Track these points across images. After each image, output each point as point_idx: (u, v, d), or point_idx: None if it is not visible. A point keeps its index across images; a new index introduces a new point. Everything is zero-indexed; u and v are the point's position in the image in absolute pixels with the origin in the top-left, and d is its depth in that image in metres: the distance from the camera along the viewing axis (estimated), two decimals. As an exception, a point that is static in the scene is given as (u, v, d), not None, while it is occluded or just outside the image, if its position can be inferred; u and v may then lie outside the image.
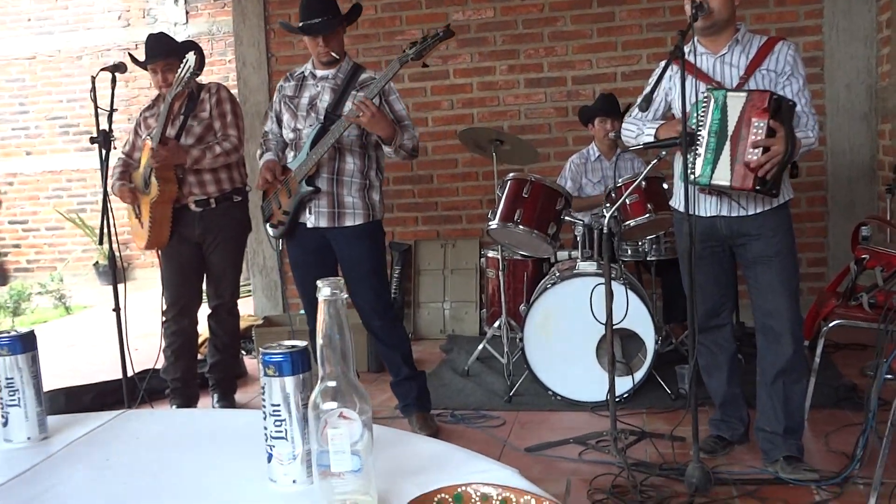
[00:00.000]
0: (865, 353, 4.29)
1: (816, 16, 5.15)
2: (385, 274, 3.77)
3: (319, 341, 1.02)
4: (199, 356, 4.35)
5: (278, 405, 1.13)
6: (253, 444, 1.20)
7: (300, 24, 3.47)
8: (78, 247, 9.26)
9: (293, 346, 1.13)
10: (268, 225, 3.70)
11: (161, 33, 4.02)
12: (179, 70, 3.57)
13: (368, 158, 3.56)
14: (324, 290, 1.01)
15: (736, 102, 2.79)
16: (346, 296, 1.03)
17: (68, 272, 8.93)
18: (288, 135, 3.63)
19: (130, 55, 4.08)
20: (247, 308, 5.61)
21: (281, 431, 1.13)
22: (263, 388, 1.13)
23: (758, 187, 2.76)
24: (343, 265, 3.61)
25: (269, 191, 3.66)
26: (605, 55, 5.43)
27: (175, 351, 4.01)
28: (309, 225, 3.54)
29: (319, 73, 3.58)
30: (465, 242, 5.66)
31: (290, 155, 3.62)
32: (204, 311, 4.12)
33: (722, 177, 2.80)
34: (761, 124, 2.72)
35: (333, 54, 3.50)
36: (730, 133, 2.79)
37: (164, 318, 4.01)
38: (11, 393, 1.38)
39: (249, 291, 6.08)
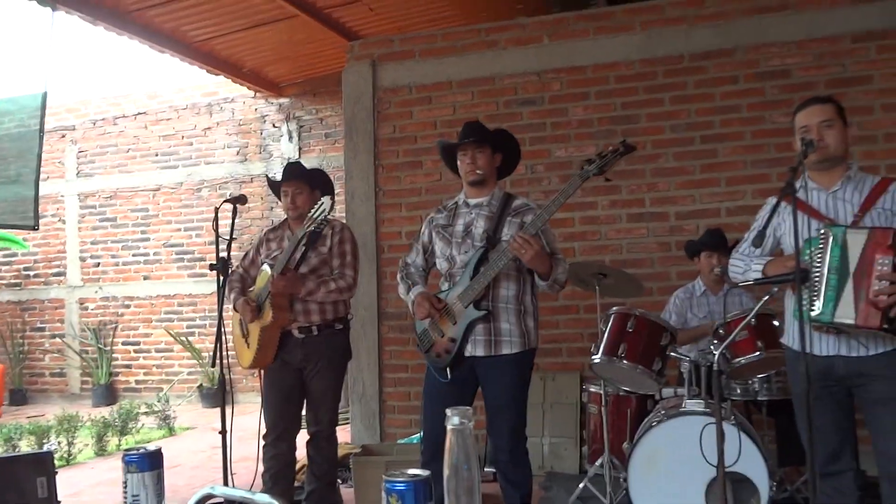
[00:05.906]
0: None
1: (927, 154, 5.05)
2: (525, 408, 3.49)
3: (446, 471, 1.02)
4: (297, 483, 4.33)
5: (398, 535, 1.11)
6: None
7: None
8: (184, 369, 9.60)
9: (416, 476, 1.12)
10: (428, 355, 3.55)
11: (298, 162, 4.27)
12: (314, 210, 3.67)
13: (524, 283, 3.47)
14: (453, 418, 1.02)
15: (856, 239, 2.73)
16: (472, 425, 1.03)
17: (173, 393, 9.20)
18: (441, 263, 3.60)
19: (267, 177, 4.33)
20: (344, 436, 5.61)
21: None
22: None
23: (885, 326, 2.66)
24: (486, 394, 3.45)
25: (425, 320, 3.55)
26: (708, 191, 5.42)
27: (273, 476, 4.00)
28: (465, 354, 3.43)
29: (472, 201, 3.58)
30: (564, 376, 5.56)
31: (443, 284, 3.57)
32: (303, 438, 4.12)
33: (845, 314, 2.71)
34: (886, 261, 2.66)
35: (479, 172, 3.51)
36: (851, 270, 2.72)
37: (263, 442, 4.04)
38: (136, 510, 1.42)
39: (347, 419, 6.11)
